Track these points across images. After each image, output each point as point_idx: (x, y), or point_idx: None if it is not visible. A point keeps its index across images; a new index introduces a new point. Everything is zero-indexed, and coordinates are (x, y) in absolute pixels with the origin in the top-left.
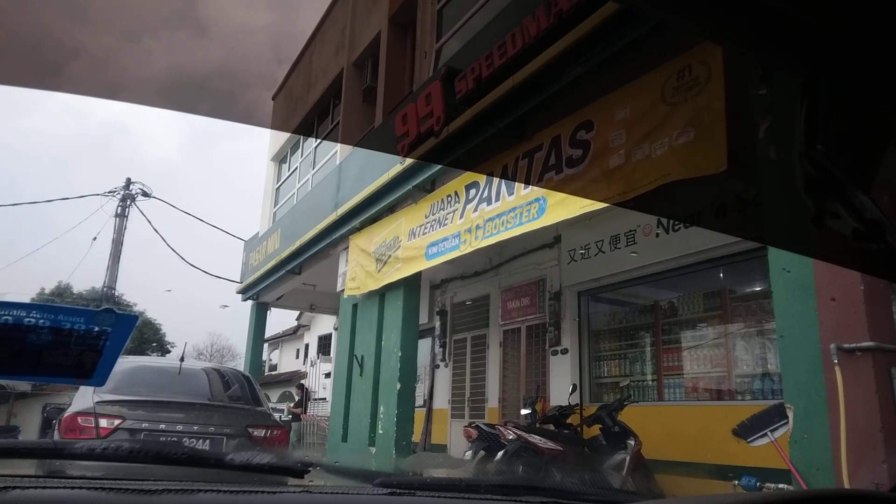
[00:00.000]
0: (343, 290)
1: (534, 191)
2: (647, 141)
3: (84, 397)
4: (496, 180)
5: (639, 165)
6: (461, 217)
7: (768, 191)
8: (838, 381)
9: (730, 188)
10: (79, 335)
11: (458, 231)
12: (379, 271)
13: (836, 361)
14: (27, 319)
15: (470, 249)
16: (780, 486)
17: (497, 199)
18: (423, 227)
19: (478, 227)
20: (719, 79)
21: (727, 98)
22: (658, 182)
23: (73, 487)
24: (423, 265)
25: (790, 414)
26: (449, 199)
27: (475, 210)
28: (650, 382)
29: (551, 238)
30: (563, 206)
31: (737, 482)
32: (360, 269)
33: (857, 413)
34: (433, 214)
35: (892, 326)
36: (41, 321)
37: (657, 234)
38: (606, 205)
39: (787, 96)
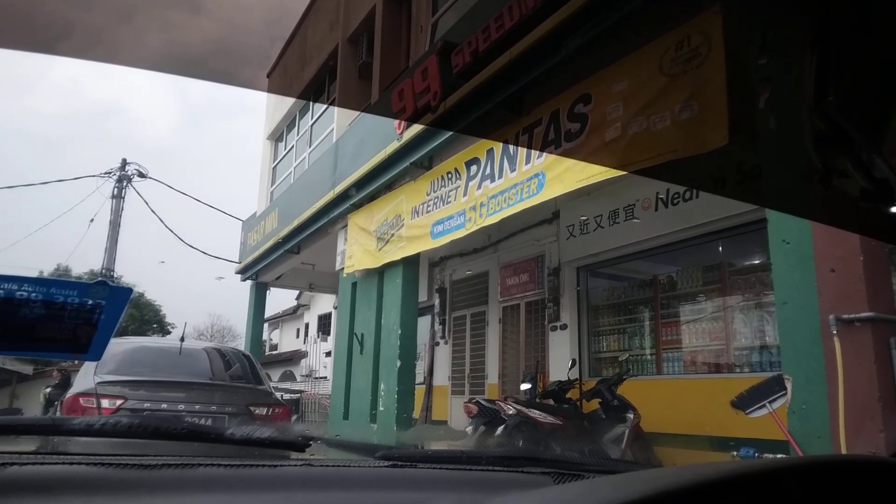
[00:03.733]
0: (342, 269)
1: (534, 166)
2: (644, 113)
3: (85, 378)
4: (497, 156)
5: (637, 138)
6: (465, 195)
7: (770, 161)
8: (837, 352)
9: (731, 158)
10: (73, 309)
11: (462, 209)
12: (380, 250)
13: (834, 332)
14: (19, 293)
15: (476, 227)
16: (779, 455)
17: (500, 176)
18: (425, 204)
19: (482, 204)
20: (719, 50)
21: (728, 69)
22: (663, 158)
23: (71, 463)
24: (428, 244)
25: (789, 385)
26: (449, 175)
27: (479, 187)
28: (649, 356)
29: (550, 214)
30: (560, 181)
31: (735, 453)
32: (358, 246)
33: (855, 383)
34: (434, 192)
35: (891, 297)
36: (33, 294)
37: (656, 208)
38: (602, 178)
39: (787, 65)
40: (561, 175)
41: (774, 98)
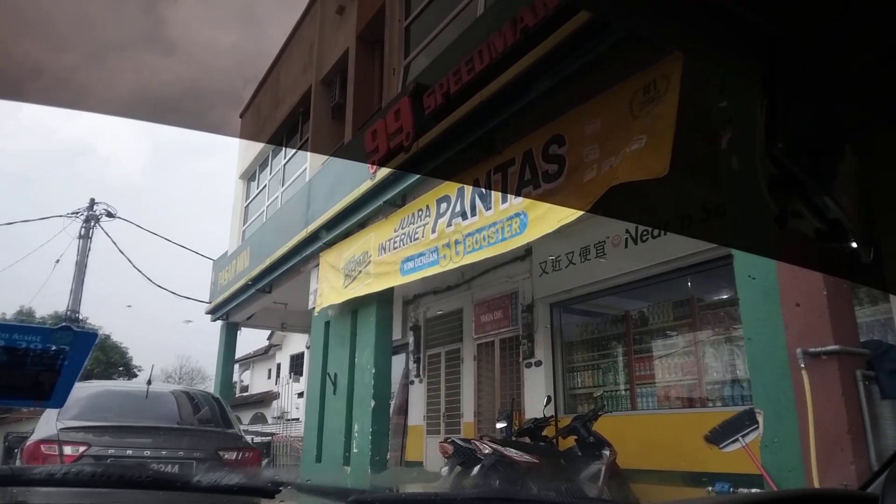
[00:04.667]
0: (315, 308)
1: (512, 205)
2: (613, 154)
3: (47, 424)
4: (468, 194)
5: (604, 176)
6: (433, 231)
7: (733, 199)
8: (805, 385)
9: (696, 198)
10: (35, 355)
11: (434, 246)
12: (346, 287)
13: (802, 365)
14: None
15: (452, 266)
16: (753, 490)
17: (473, 214)
18: (392, 241)
19: (457, 241)
20: (675, 90)
21: (690, 112)
22: (608, 185)
23: None
24: (397, 280)
25: (760, 419)
26: (420, 212)
27: (449, 224)
28: (623, 392)
29: (523, 251)
30: (544, 221)
31: (710, 488)
32: (326, 284)
33: (824, 416)
34: (402, 228)
35: (855, 330)
36: None
37: (626, 244)
38: (580, 214)
39: (746, 107)
40: (544, 215)
41: (735, 139)
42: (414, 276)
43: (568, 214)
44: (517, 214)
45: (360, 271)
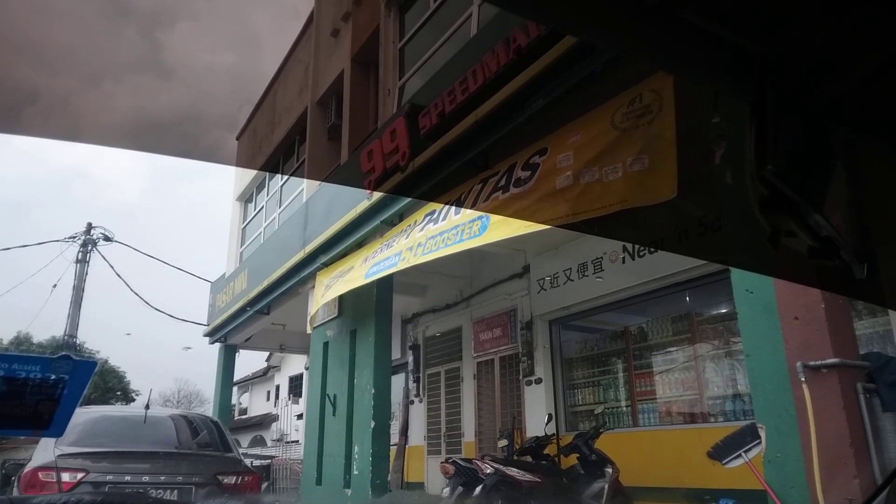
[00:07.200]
0: (313, 329)
1: (480, 208)
2: (595, 164)
3: (45, 451)
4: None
5: (589, 188)
6: (406, 238)
7: (727, 214)
8: (807, 399)
9: (691, 213)
10: (35, 384)
11: (399, 250)
12: (322, 296)
13: (803, 379)
14: None
15: (406, 265)
16: None
17: (444, 219)
18: (374, 253)
19: (419, 244)
20: (670, 108)
21: (684, 127)
22: (614, 208)
23: None
24: (361, 282)
25: (762, 433)
26: (409, 227)
27: (421, 230)
28: (624, 408)
29: (521, 268)
30: (507, 224)
31: None
32: (316, 303)
33: (827, 429)
34: (386, 241)
35: (854, 343)
36: None
37: (623, 261)
38: (551, 225)
39: (739, 122)
40: (507, 219)
41: (729, 154)
42: (374, 277)
43: (539, 221)
44: (479, 217)
45: (339, 280)
